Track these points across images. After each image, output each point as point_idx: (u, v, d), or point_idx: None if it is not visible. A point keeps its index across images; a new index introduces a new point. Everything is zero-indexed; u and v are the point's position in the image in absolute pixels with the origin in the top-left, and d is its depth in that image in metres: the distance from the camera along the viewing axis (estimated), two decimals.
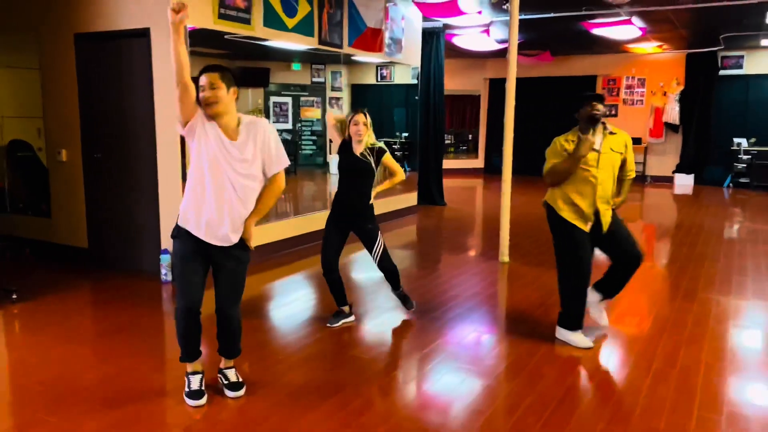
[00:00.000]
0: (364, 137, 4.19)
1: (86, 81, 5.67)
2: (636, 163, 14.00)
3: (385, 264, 4.34)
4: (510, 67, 6.06)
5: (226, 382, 3.26)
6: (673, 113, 13.58)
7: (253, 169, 3.02)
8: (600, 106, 3.68)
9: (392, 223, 8.48)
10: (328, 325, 4.30)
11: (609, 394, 3.38)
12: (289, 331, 4.36)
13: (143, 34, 5.21)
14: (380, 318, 4.59)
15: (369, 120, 4.21)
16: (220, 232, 3.00)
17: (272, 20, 6.07)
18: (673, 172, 13.77)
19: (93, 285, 5.39)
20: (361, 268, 6.02)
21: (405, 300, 4.56)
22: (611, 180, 3.84)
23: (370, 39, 7.77)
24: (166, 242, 5.36)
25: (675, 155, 13.88)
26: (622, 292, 4.13)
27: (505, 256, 6.24)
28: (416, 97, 9.48)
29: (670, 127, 13.76)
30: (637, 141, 14.21)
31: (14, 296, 4.73)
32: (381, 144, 4.27)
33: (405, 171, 11.55)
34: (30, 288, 4.99)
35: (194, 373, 3.20)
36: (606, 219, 3.81)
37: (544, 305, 4.75)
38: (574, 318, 3.94)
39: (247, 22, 5.78)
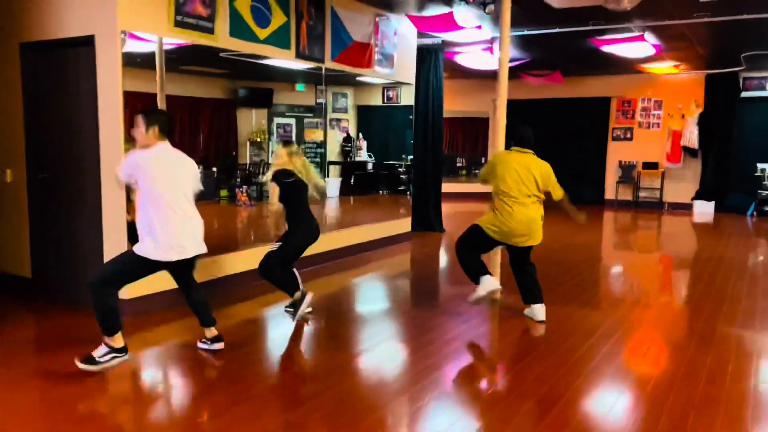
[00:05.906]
0: None
1: (32, 95, 5.16)
2: (653, 189, 13.47)
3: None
4: (500, 86, 5.44)
5: None
6: (692, 137, 12.83)
7: None
8: None
9: (382, 251, 7.84)
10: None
11: None
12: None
13: (88, 42, 4.70)
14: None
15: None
16: None
17: (240, 30, 5.54)
18: (692, 198, 12.99)
19: (32, 321, 4.82)
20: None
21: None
22: None
23: (357, 54, 7.22)
24: None
25: (694, 181, 13.11)
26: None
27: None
28: (410, 117, 8.87)
29: (689, 152, 13.01)
30: (653, 165, 13.47)
31: None
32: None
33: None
34: None
35: None
36: None
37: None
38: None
39: (210, 31, 5.25)
